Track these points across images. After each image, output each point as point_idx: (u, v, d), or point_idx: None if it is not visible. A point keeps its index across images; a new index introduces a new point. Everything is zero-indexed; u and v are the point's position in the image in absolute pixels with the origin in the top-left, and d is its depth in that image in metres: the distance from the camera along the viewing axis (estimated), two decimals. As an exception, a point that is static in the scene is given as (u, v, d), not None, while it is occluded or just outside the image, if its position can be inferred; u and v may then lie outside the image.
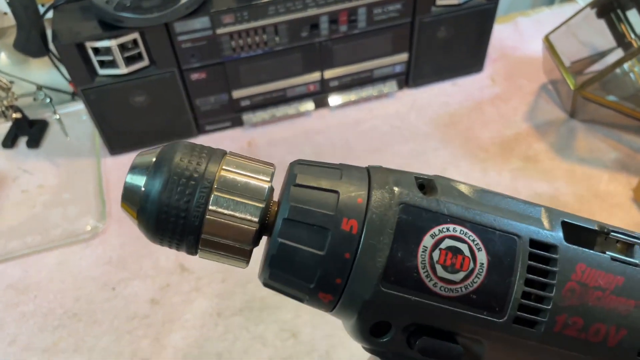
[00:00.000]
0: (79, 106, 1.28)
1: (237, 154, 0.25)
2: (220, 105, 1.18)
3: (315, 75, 1.19)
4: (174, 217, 0.22)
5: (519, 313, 0.22)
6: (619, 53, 1.10)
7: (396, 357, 0.24)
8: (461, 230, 0.22)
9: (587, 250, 0.23)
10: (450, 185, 0.23)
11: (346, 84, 1.23)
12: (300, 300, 0.24)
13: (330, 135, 1.22)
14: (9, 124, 1.23)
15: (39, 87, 1.17)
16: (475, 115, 1.25)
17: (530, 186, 1.09)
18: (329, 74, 1.19)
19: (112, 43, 0.99)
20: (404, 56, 1.21)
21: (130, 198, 0.24)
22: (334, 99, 1.25)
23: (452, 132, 1.21)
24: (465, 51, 1.27)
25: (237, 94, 1.16)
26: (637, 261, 0.23)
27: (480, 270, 0.22)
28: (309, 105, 1.23)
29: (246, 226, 0.23)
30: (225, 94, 1.16)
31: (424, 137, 1.21)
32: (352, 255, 0.22)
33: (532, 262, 0.22)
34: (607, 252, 0.23)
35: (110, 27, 0.99)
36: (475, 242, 0.22)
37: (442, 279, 0.22)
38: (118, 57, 1.01)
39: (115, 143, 1.17)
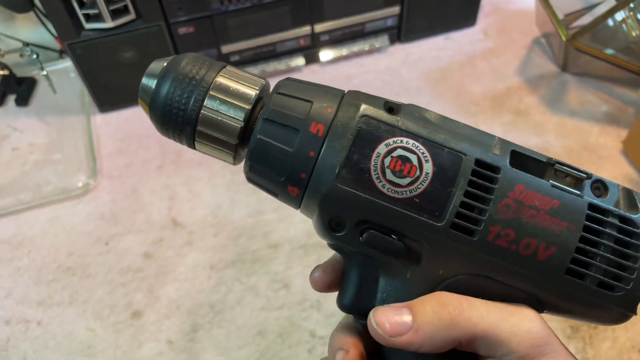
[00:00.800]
0: (67, 63, 1.27)
1: (234, 68, 0.28)
2: (209, 60, 1.16)
3: (306, 29, 1.17)
4: (176, 110, 0.27)
5: (456, 220, 0.25)
6: (611, 3, 1.08)
7: (351, 251, 0.27)
8: (413, 143, 0.25)
9: (529, 175, 0.25)
10: (415, 110, 0.26)
11: (337, 39, 1.22)
12: (275, 194, 0.28)
13: (321, 91, 1.21)
14: (-4, 82, 1.22)
15: (25, 44, 1.15)
16: (467, 70, 1.24)
17: (521, 139, 1.09)
18: (319, 27, 1.18)
19: (97, -5, 0.97)
20: (395, 9, 1.20)
21: (144, 95, 0.28)
22: (325, 54, 1.24)
23: (444, 87, 1.21)
24: (458, 5, 1.25)
25: (226, 48, 1.15)
26: (578, 192, 0.25)
27: (425, 179, 0.25)
28: (300, 60, 1.22)
29: (233, 123, 0.27)
30: (214, 49, 1.15)
31: (416, 91, 1.20)
32: (316, 154, 0.25)
33: (473, 178, 0.25)
34: (550, 181, 0.25)
35: (95, -21, 0.97)
36: (424, 155, 0.25)
37: (390, 182, 0.25)
38: (104, 10, 0.99)
39: (105, 100, 1.16)
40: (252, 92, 0.27)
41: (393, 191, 0.25)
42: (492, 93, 1.19)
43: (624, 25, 1.09)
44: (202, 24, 1.09)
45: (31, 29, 1.31)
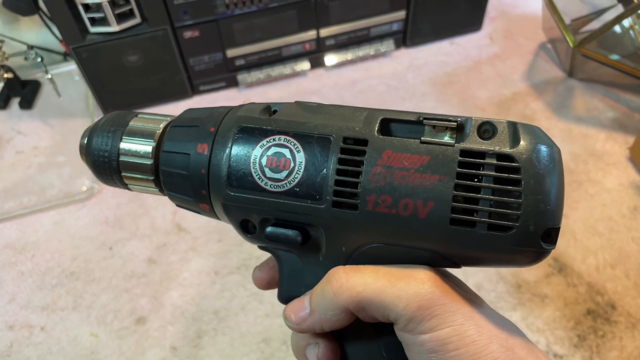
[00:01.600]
0: (71, 66, 1.27)
1: (147, 112, 0.32)
2: (214, 64, 1.16)
3: (311, 34, 1.17)
4: (102, 159, 0.30)
5: (335, 198, 0.26)
6: (618, 9, 1.08)
7: (272, 249, 0.30)
8: (285, 138, 0.27)
9: (397, 138, 0.26)
10: (294, 106, 0.29)
11: (342, 43, 1.21)
12: (198, 212, 0.31)
13: (326, 95, 1.21)
14: (0, 85, 1.21)
15: (30, 47, 1.15)
16: (473, 75, 1.24)
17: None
18: (325, 32, 1.17)
19: (102, -1, 0.97)
20: (401, 14, 1.19)
21: (82, 153, 0.31)
22: (330, 59, 1.23)
23: (450, 92, 1.20)
24: (464, 9, 1.25)
25: (231, 52, 1.15)
26: (451, 142, 0.25)
27: (300, 168, 0.27)
28: (305, 64, 1.22)
29: (144, 162, 0.30)
30: (219, 53, 1.14)
31: (421, 96, 1.20)
32: (206, 170, 0.28)
33: (343, 156, 0.26)
34: (421, 137, 0.26)
35: (101, -17, 0.96)
36: (296, 146, 0.27)
37: (270, 179, 0.27)
38: (109, 13, 0.99)
39: (109, 103, 1.16)
40: (157, 130, 0.30)
41: (275, 186, 0.27)
42: (498, 98, 1.18)
43: (631, 32, 1.09)
44: (207, 28, 1.08)
45: (35, 32, 1.31)
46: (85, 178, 1.08)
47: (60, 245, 1.00)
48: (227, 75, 1.19)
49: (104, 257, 0.98)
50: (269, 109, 0.29)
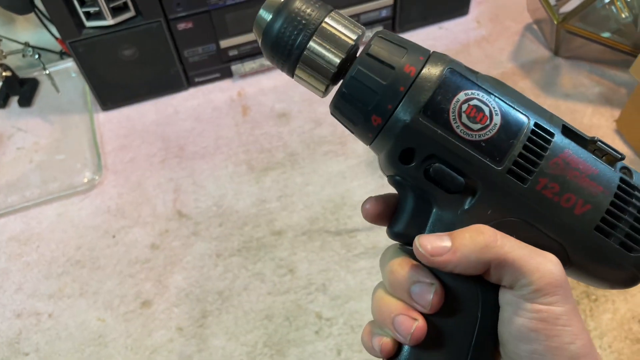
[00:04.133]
0: (68, 64, 1.29)
1: (340, 13, 0.32)
2: (208, 55, 1.18)
3: (302, 22, 1.19)
4: (284, 45, 0.31)
5: (512, 167, 0.29)
6: (601, -14, 1.11)
7: (411, 185, 0.31)
8: (487, 98, 0.29)
9: (576, 144, 0.30)
10: (492, 78, 0.31)
11: (333, 31, 1.24)
12: (355, 124, 0.31)
13: (319, 83, 1.23)
14: (-1, 84, 1.24)
15: (27, 45, 1.17)
16: (462, 58, 1.26)
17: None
18: (315, 20, 1.20)
19: (97, -7, 0.99)
20: (389, 0, 1.22)
21: (259, 26, 0.31)
22: (322, 46, 1.26)
23: (439, 75, 1.23)
24: (451, -6, 1.28)
25: (224, 43, 1.17)
26: (611, 168, 0.30)
27: (493, 128, 0.29)
28: (297, 53, 1.24)
29: (328, 68, 0.30)
30: (213, 44, 1.17)
31: (412, 80, 1.22)
32: (406, 89, 0.29)
33: (532, 136, 0.29)
34: (591, 153, 0.30)
35: (95, -23, 0.99)
36: (495, 109, 0.29)
37: (464, 124, 0.29)
38: (104, 7, 1.01)
39: (107, 98, 1.18)
40: (349, 42, 0.30)
41: (465, 133, 0.29)
42: (487, 79, 1.21)
43: (613, 8, 1.12)
44: (200, 20, 1.11)
45: (31, 31, 1.33)
46: (87, 170, 1.10)
47: (65, 235, 1.02)
48: (221, 66, 1.21)
49: (108, 245, 1.00)
50: (469, 69, 0.30)
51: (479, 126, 0.29)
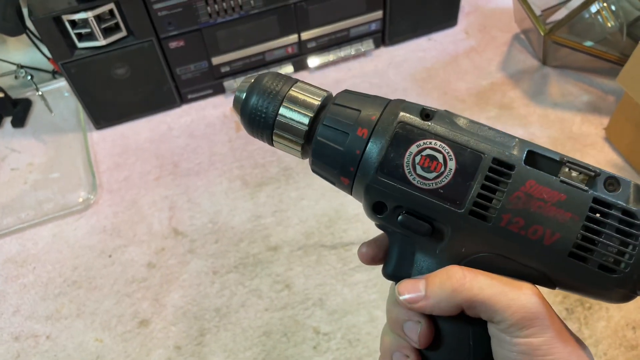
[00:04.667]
0: (60, 83, 1.29)
1: (305, 82, 0.35)
2: (200, 73, 1.19)
3: (293, 38, 1.20)
4: (259, 117, 0.34)
5: (473, 207, 0.30)
6: (586, -3, 1.12)
7: (393, 230, 0.33)
8: (440, 145, 0.30)
9: (541, 172, 0.29)
10: (447, 116, 0.32)
11: (324, 45, 1.25)
12: (332, 183, 0.34)
13: (311, 97, 1.24)
14: (-9, 105, 1.24)
15: (20, 66, 1.17)
16: (451, 68, 1.28)
17: (507, 131, 1.13)
18: (306, 35, 1.21)
19: (88, 15, 1.00)
20: (378, 13, 1.23)
21: (237, 105, 0.35)
22: (313, 61, 1.27)
23: (430, 86, 1.24)
24: (439, 6, 1.29)
25: (216, 60, 1.18)
26: (585, 188, 0.29)
27: (449, 174, 0.30)
28: (289, 67, 1.25)
29: (300, 127, 0.33)
30: (204, 61, 1.18)
31: (403, 92, 1.24)
32: (361, 152, 0.32)
33: (490, 174, 0.30)
34: (560, 177, 0.29)
35: (86, -1, 0.99)
36: (449, 154, 0.30)
37: (419, 175, 0.30)
38: (95, 28, 1.02)
39: (100, 116, 1.19)
40: (316, 103, 0.34)
41: (422, 183, 0.30)
42: (477, 89, 1.22)
43: (599, 17, 1.14)
44: (192, 38, 1.12)
45: (23, 50, 1.33)
46: (82, 190, 1.10)
47: (61, 255, 1.02)
48: (213, 82, 1.22)
49: (104, 265, 1.00)
50: (424, 111, 0.32)
51: (434, 175, 0.30)
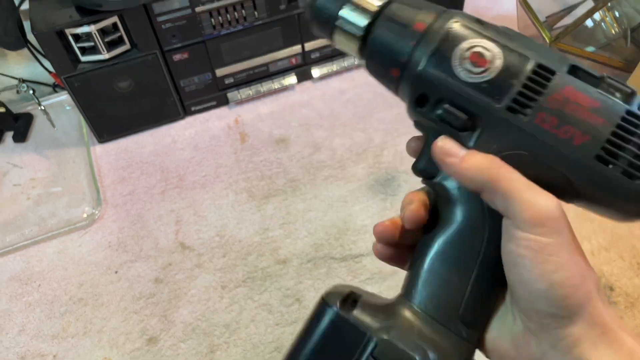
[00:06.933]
0: (62, 97, 1.28)
1: None
2: (204, 84, 1.18)
3: (296, 48, 1.20)
4: (323, 15, 0.37)
5: (512, 104, 0.32)
6: (589, 4, 1.13)
7: (429, 126, 0.35)
8: (491, 45, 0.33)
9: (580, 81, 0.32)
10: (501, 27, 0.34)
11: (327, 55, 1.25)
12: (381, 77, 0.37)
13: (316, 107, 1.24)
14: (-8, 120, 1.22)
15: (22, 80, 1.16)
16: (456, 77, 1.27)
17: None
18: (309, 45, 1.20)
19: (91, 28, 0.99)
20: (382, 23, 1.23)
21: (306, 3, 0.38)
22: (317, 71, 1.26)
23: (435, 95, 1.24)
24: (441, 14, 1.29)
25: (220, 72, 1.17)
26: (620, 101, 0.31)
27: (494, 70, 0.32)
28: (292, 78, 1.24)
29: (357, 30, 0.36)
30: (208, 73, 1.17)
31: (408, 101, 1.23)
32: (416, 43, 0.34)
33: (532, 75, 0.32)
34: (598, 89, 0.31)
35: (89, 12, 0.98)
36: (498, 54, 0.32)
37: (466, 69, 0.33)
38: (99, 42, 1.01)
39: (103, 130, 1.18)
40: (374, 8, 0.36)
41: (467, 76, 0.33)
42: (482, 97, 1.22)
43: (603, 24, 1.14)
44: (195, 50, 1.11)
45: (24, 65, 1.32)
46: (86, 205, 1.09)
47: (66, 273, 1.01)
48: (217, 94, 1.21)
49: (111, 281, 0.99)
50: (478, 20, 0.34)
51: (480, 69, 0.32)
